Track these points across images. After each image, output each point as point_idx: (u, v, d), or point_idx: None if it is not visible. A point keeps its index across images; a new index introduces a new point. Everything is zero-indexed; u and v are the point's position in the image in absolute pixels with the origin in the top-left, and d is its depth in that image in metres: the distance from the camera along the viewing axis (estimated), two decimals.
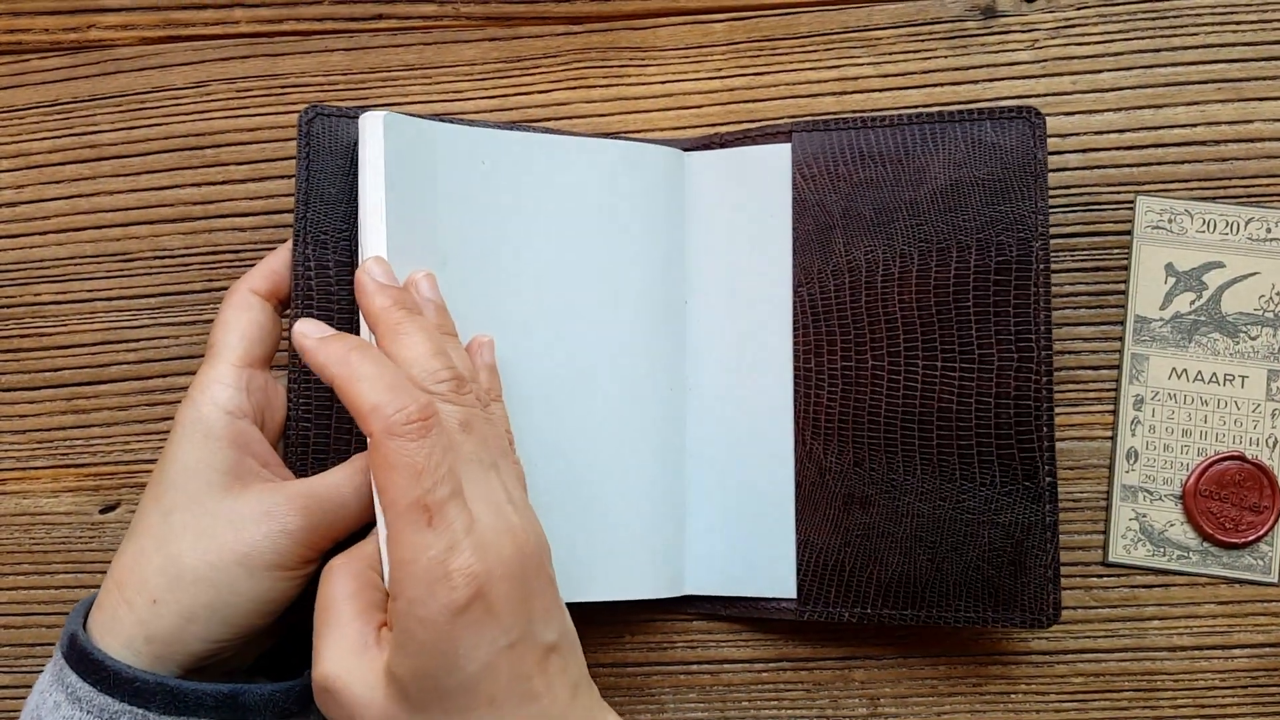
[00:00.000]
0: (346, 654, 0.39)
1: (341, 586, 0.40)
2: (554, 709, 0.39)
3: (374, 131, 0.45)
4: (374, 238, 0.44)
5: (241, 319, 0.46)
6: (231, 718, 0.41)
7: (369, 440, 0.38)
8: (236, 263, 0.54)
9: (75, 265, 0.54)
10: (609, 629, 0.52)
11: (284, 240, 0.53)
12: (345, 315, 0.48)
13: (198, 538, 0.42)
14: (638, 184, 0.51)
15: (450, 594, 0.36)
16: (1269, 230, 0.51)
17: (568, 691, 0.40)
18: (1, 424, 0.54)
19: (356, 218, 0.48)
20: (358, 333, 0.47)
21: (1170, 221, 0.52)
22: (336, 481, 0.44)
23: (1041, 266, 0.48)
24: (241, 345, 0.45)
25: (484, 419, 0.41)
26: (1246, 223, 0.52)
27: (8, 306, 0.54)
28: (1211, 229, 0.52)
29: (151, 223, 0.55)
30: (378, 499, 0.39)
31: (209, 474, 0.43)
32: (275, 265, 0.47)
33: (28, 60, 0.56)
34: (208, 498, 0.43)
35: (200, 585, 0.41)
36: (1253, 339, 0.51)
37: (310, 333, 0.42)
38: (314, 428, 0.48)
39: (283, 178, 0.54)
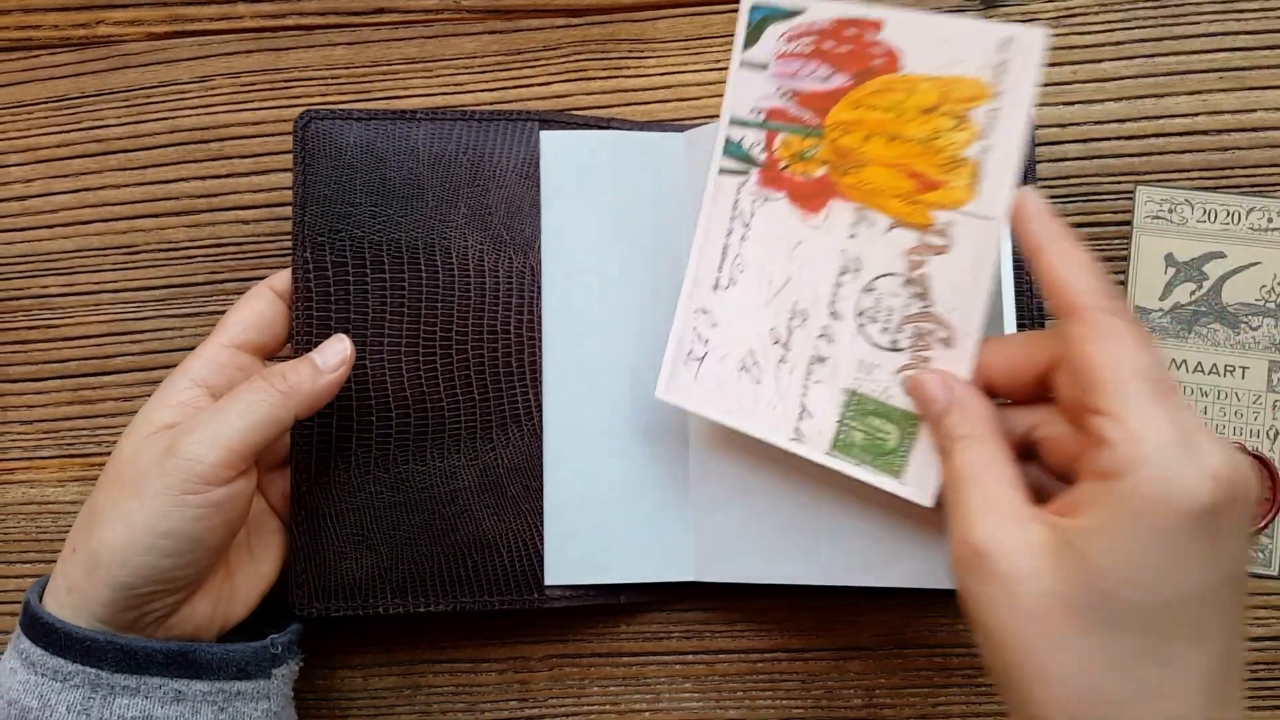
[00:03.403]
0: (1001, 520, 0.35)
1: (978, 455, 0.38)
2: (1239, 698, 0.35)
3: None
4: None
5: (246, 306, 0.48)
6: (184, 675, 0.42)
7: (1073, 320, 0.36)
8: (240, 255, 0.55)
9: (82, 258, 0.55)
10: (605, 619, 0.53)
11: (286, 232, 0.54)
12: (342, 316, 0.49)
13: (105, 483, 0.44)
14: None
15: (1194, 480, 0.33)
16: (1270, 220, 0.51)
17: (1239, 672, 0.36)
18: (9, 414, 0.55)
19: (353, 218, 0.48)
20: (349, 329, 0.48)
21: (1171, 211, 0.52)
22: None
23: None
24: (235, 328, 0.47)
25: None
26: (1248, 212, 0.51)
27: (15, 298, 0.55)
28: (1212, 219, 0.51)
29: (156, 216, 0.55)
30: (1090, 380, 0.35)
31: (145, 428, 0.44)
32: None
33: (37, 56, 0.57)
34: (126, 449, 0.44)
35: (103, 525, 0.42)
36: (1253, 330, 0.51)
37: (1039, 207, 0.38)
38: (316, 427, 0.49)
39: (285, 170, 0.55)
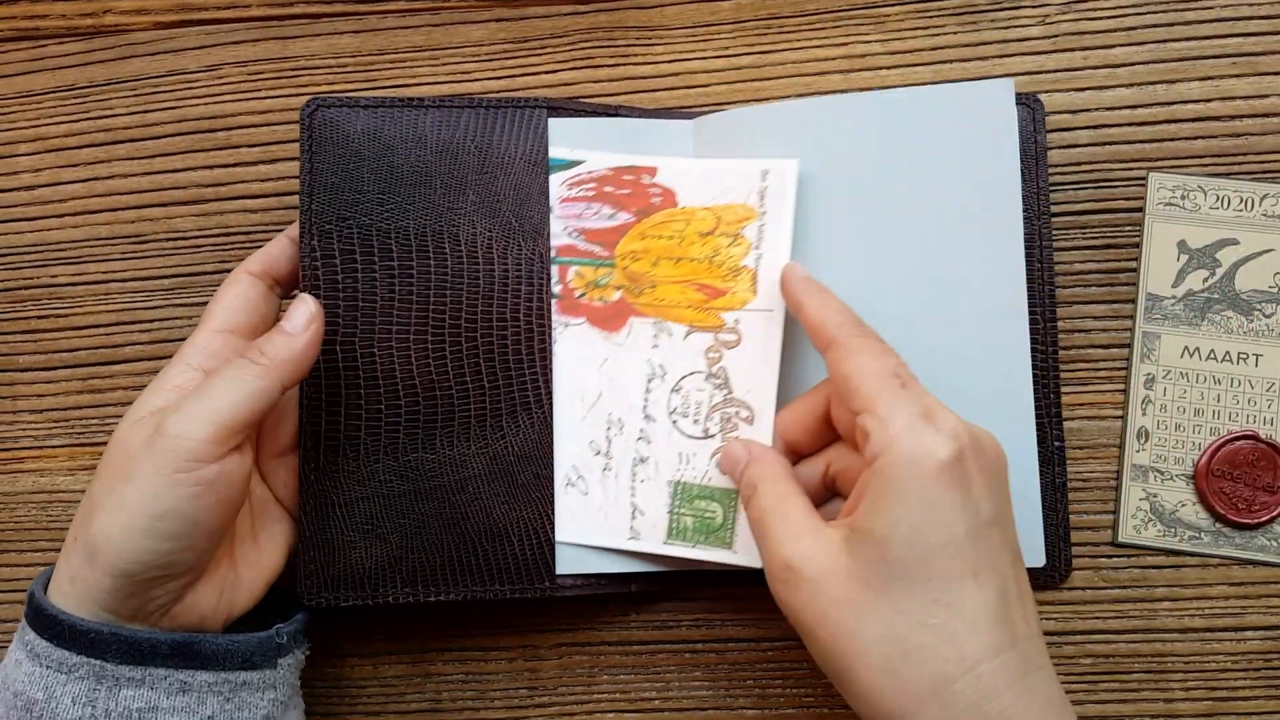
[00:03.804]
0: (801, 536, 0.41)
1: (773, 493, 0.43)
2: (1024, 626, 0.39)
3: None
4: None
5: (228, 292, 0.48)
6: (189, 666, 0.42)
7: (830, 349, 0.43)
8: (248, 244, 0.55)
9: (91, 247, 0.55)
10: (615, 607, 0.53)
11: (293, 221, 0.54)
12: (350, 303, 0.48)
13: (101, 471, 0.43)
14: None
15: (935, 442, 0.39)
16: None
17: (1035, 621, 0.40)
18: (20, 403, 0.55)
19: (360, 206, 0.48)
20: (357, 317, 0.48)
21: (1183, 198, 0.51)
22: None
23: (1045, 244, 0.49)
24: (221, 314, 0.48)
25: None
26: (1261, 199, 0.51)
27: (25, 288, 0.55)
28: (1225, 205, 0.51)
29: (165, 205, 0.55)
30: (849, 390, 0.41)
31: (138, 414, 0.44)
32: (271, 250, 0.50)
33: (45, 45, 0.57)
34: (119, 436, 0.44)
35: (99, 513, 0.42)
36: (1267, 317, 0.51)
37: (800, 273, 0.46)
38: (324, 415, 0.48)
39: (292, 159, 0.55)
